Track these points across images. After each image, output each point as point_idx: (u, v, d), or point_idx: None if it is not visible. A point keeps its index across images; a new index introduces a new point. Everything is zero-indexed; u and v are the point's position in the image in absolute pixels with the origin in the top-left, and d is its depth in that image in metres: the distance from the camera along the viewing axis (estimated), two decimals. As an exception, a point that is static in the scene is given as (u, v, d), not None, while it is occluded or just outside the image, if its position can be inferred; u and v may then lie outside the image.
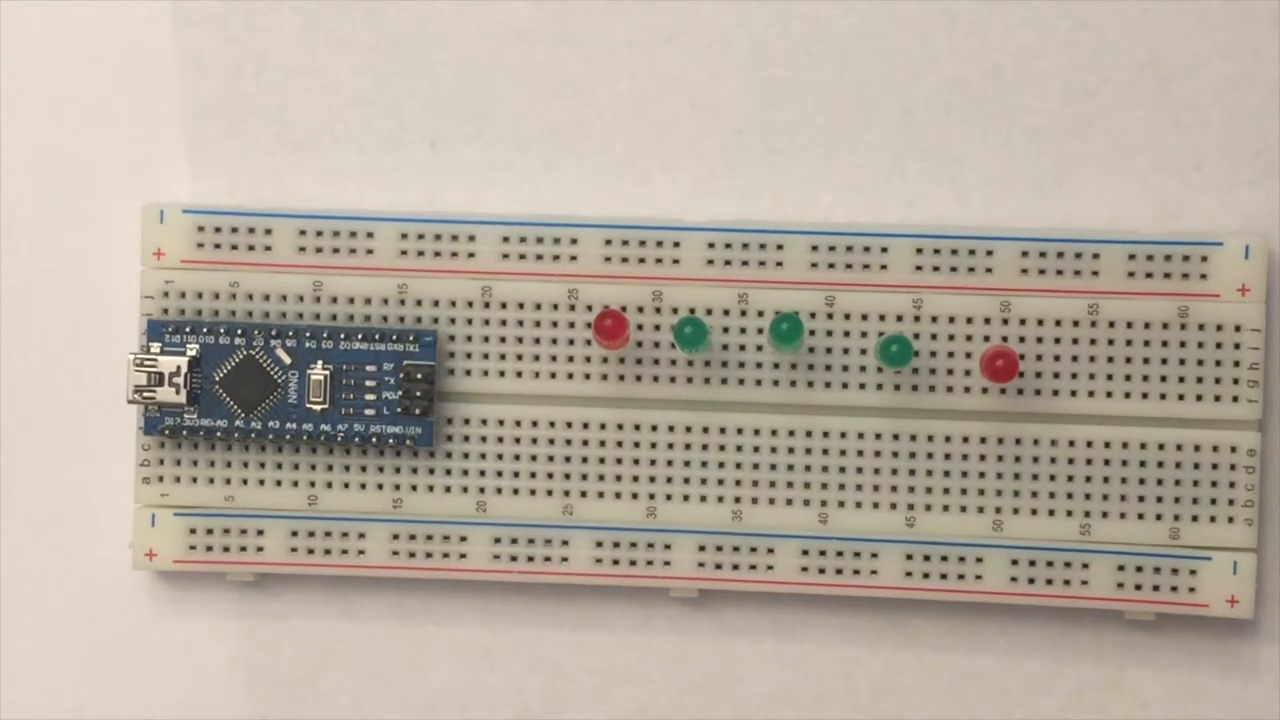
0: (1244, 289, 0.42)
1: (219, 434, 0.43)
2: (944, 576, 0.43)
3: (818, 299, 0.43)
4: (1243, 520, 0.42)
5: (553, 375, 0.43)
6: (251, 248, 0.43)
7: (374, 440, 0.43)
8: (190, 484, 0.44)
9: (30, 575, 0.45)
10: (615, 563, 0.43)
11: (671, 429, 0.43)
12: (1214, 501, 0.43)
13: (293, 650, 0.45)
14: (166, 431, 0.43)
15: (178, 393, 0.43)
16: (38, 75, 0.45)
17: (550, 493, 0.43)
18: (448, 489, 0.44)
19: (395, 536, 0.44)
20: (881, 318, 0.43)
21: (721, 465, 0.43)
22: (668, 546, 0.43)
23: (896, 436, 0.43)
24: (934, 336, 0.43)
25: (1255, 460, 0.42)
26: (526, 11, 0.44)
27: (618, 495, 0.43)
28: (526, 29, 0.44)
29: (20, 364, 0.45)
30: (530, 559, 0.43)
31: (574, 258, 0.43)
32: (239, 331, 0.43)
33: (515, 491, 0.43)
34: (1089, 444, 0.43)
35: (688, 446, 0.43)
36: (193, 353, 0.43)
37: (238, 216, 0.44)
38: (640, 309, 0.43)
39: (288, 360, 0.43)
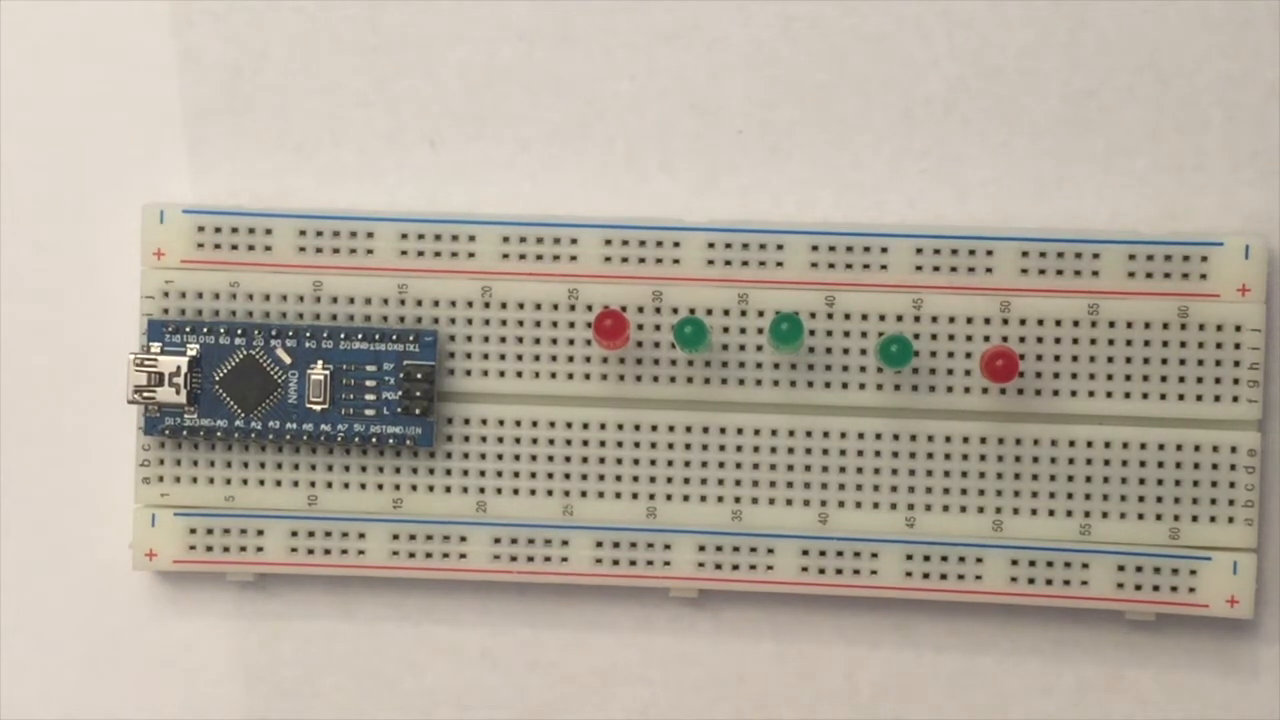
0: (1244, 289, 0.42)
1: (219, 434, 0.43)
2: (944, 576, 0.43)
3: (818, 299, 0.43)
4: (1243, 520, 0.42)
5: (553, 375, 0.43)
6: (251, 248, 0.43)
7: (374, 440, 0.43)
8: (190, 484, 0.44)
9: (30, 575, 0.45)
10: (615, 563, 0.43)
11: (671, 429, 0.43)
12: (1214, 501, 0.43)
13: (293, 650, 0.45)
14: (166, 431, 0.43)
15: (178, 393, 0.43)
16: (38, 75, 0.45)
17: (550, 493, 0.43)
18: (448, 489, 0.44)
19: (395, 536, 0.44)
20: (881, 318, 0.43)
21: (721, 465, 0.43)
22: (668, 546, 0.43)
23: (896, 436, 0.43)
24: (934, 336, 0.43)
25: (1255, 460, 0.42)
26: (526, 11, 0.44)
27: (618, 495, 0.43)
28: (526, 29, 0.44)
29: (20, 364, 0.45)
30: (530, 559, 0.43)
31: (574, 258, 0.43)
32: (239, 331, 0.43)
33: (515, 491, 0.43)
34: (1089, 444, 0.43)
35: (688, 446, 0.43)
36: (193, 353, 0.43)
37: (238, 216, 0.44)
38: (640, 309, 0.43)
39: (288, 360, 0.43)
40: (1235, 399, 0.42)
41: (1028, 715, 0.44)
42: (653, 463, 0.43)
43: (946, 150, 0.44)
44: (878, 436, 0.43)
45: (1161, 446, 0.43)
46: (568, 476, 0.43)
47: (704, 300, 0.43)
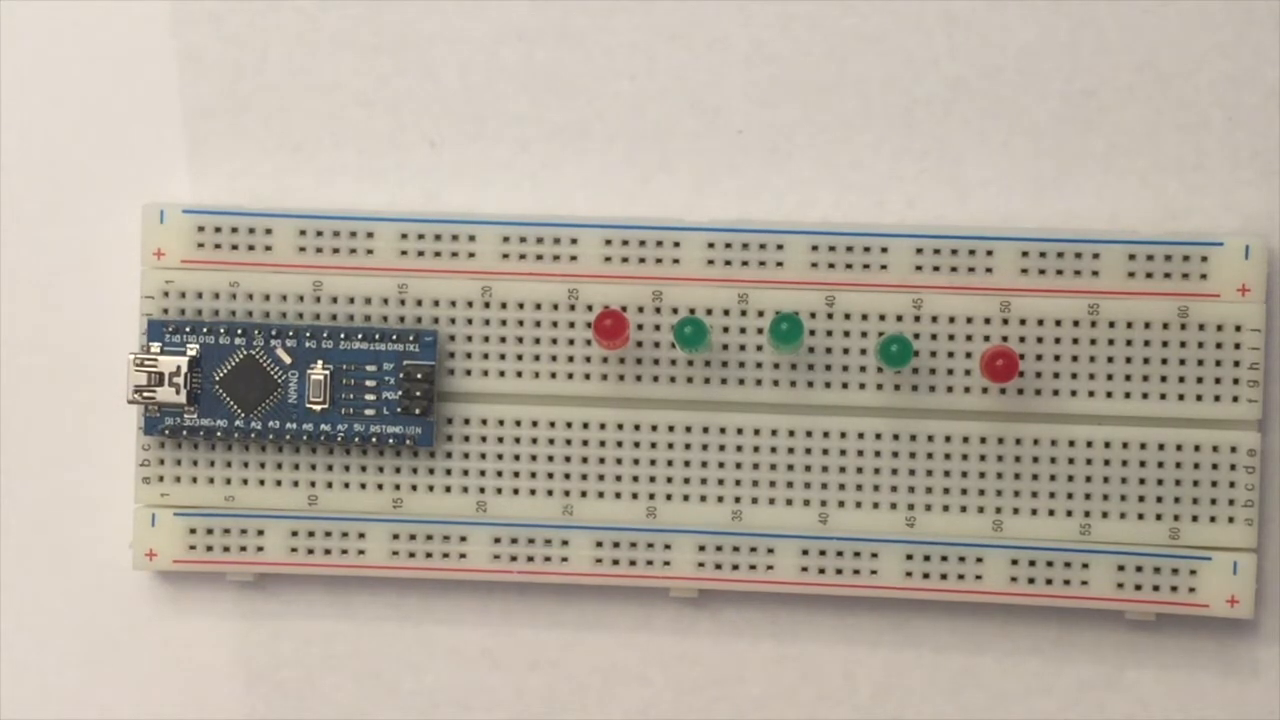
0: (1244, 289, 0.42)
1: (219, 434, 0.43)
2: (944, 576, 0.43)
3: (818, 299, 0.43)
4: (1243, 520, 0.42)
5: (553, 375, 0.43)
6: (251, 248, 0.43)
7: (374, 440, 0.43)
8: (190, 484, 0.44)
9: (30, 575, 0.45)
10: (615, 563, 0.43)
11: (671, 429, 0.43)
12: (1214, 501, 0.43)
13: (293, 650, 0.45)
14: (166, 431, 0.43)
15: (178, 393, 0.43)
16: (38, 75, 0.45)
17: (550, 493, 0.43)
18: (448, 489, 0.44)
19: (395, 536, 0.44)
20: (881, 318, 0.43)
21: (721, 465, 0.43)
22: (668, 546, 0.43)
23: (896, 436, 0.43)
24: (934, 336, 0.43)
25: (1255, 460, 0.42)
26: (526, 11, 0.44)
27: (618, 495, 0.43)
28: (526, 29, 0.44)
29: (20, 364, 0.45)
30: (530, 559, 0.43)
31: (574, 258, 0.43)
32: (239, 331, 0.43)
33: (515, 491, 0.43)
34: (1089, 444, 0.43)
35: (688, 446, 0.43)
36: (193, 353, 0.43)
37: (238, 216, 0.44)
38: (640, 309, 0.43)
39: (288, 360, 0.43)
40: (1235, 399, 0.42)
41: (1028, 715, 0.44)
42: (653, 463, 0.43)
43: (946, 150, 0.44)
44: (878, 436, 0.43)
45: (1161, 446, 0.43)
46: (568, 476, 0.43)
47: (704, 300, 0.43)
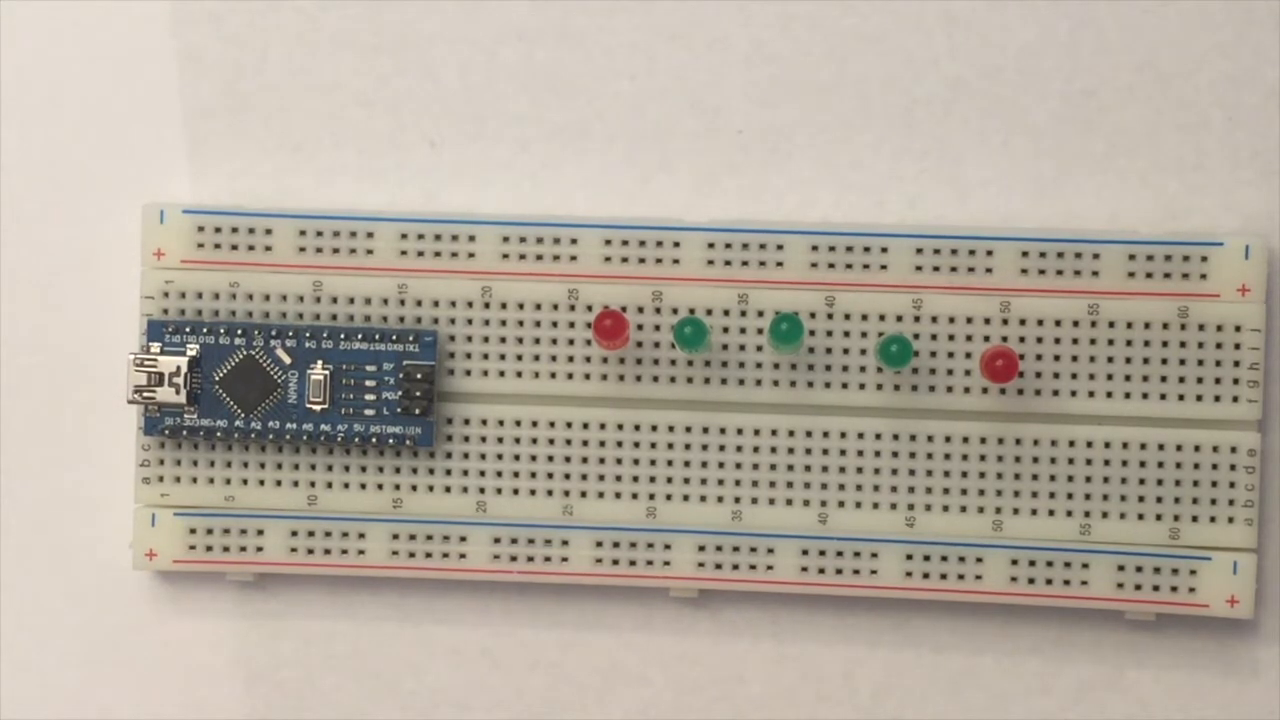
0: (1244, 289, 0.42)
1: (219, 434, 0.43)
2: (944, 576, 0.43)
3: (818, 299, 0.43)
4: (1243, 520, 0.42)
5: (553, 375, 0.43)
6: (251, 248, 0.44)
7: (374, 440, 0.43)
8: (190, 484, 0.44)
9: (30, 575, 0.45)
10: (615, 563, 0.43)
11: (671, 429, 0.43)
12: (1214, 501, 0.43)
13: (293, 650, 0.45)
14: (166, 431, 0.43)
15: (178, 393, 0.43)
16: (38, 75, 0.45)
17: (550, 493, 0.43)
18: (448, 489, 0.44)
19: (395, 536, 0.44)
20: (881, 318, 0.43)
21: (721, 465, 0.43)
22: (668, 546, 0.43)
23: (896, 436, 0.43)
24: (934, 336, 0.43)
25: (1255, 460, 0.42)
26: (526, 11, 0.44)
27: (618, 495, 0.43)
28: (526, 29, 0.44)
29: (20, 364, 0.45)
30: (530, 559, 0.43)
31: (574, 258, 0.43)
32: (239, 331, 0.43)
33: (515, 491, 0.43)
34: (1089, 444, 0.43)
35: (688, 446, 0.43)
36: (193, 353, 0.43)
37: (238, 216, 0.44)
38: (640, 309, 0.43)
39: (288, 360, 0.43)
40: (1235, 399, 0.42)
41: (1028, 715, 0.44)
42: (653, 463, 0.43)
43: (946, 150, 0.44)
44: (878, 436, 0.43)
45: (1161, 446, 0.43)
46: (568, 476, 0.43)
47: (704, 300, 0.43)
